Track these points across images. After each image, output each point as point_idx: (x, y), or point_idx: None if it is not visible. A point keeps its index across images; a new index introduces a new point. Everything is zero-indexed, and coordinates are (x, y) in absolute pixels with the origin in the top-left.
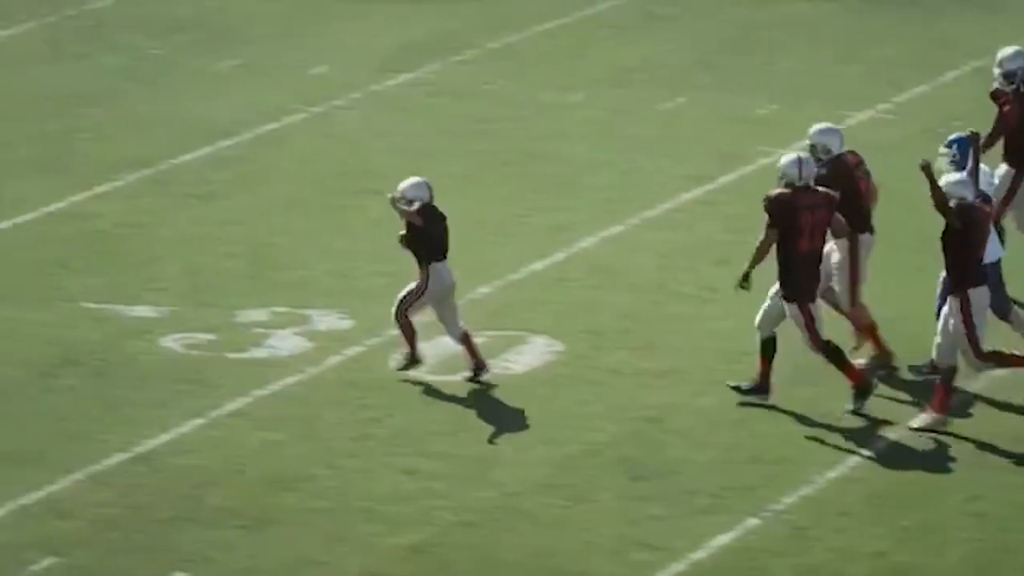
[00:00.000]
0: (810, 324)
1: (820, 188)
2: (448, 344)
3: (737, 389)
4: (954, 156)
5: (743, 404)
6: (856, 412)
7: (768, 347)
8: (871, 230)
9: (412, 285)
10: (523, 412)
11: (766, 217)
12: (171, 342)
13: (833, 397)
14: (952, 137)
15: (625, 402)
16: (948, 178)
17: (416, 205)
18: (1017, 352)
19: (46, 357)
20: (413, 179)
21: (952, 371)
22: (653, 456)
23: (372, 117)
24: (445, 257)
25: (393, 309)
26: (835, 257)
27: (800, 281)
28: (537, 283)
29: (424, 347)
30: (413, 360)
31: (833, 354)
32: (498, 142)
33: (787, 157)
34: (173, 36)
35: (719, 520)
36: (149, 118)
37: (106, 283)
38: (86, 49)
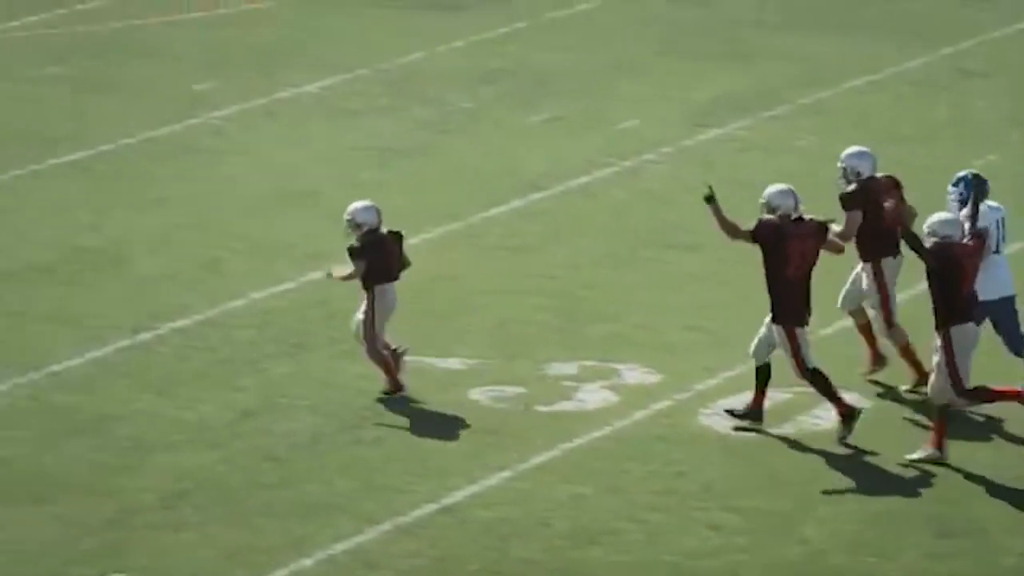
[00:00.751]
0: (796, 350)
1: (811, 218)
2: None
3: (731, 412)
4: (961, 194)
5: (742, 429)
6: (842, 441)
7: (763, 374)
8: (895, 253)
9: (361, 314)
10: (831, 468)
11: (750, 233)
12: (480, 394)
13: None
14: (959, 175)
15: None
16: (935, 217)
17: (364, 229)
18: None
19: (356, 408)
20: (362, 202)
21: (945, 407)
22: (959, 513)
23: (682, 172)
24: (394, 279)
25: (363, 347)
26: (864, 282)
27: (789, 306)
28: (847, 339)
29: (730, 403)
30: (396, 387)
31: (819, 382)
32: (807, 198)
33: (776, 188)
34: (483, 89)
35: None
36: (459, 171)
37: (416, 335)
38: (398, 102)
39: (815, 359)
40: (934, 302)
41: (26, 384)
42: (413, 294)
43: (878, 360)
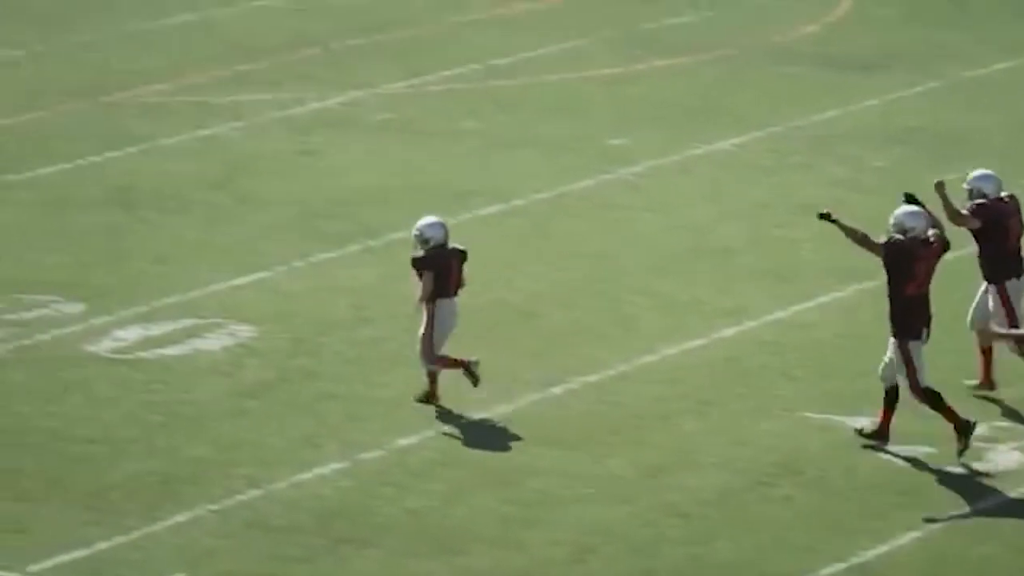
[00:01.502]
0: (911, 366)
1: (934, 239)
2: None
3: (860, 432)
4: None
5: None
6: (961, 454)
7: (891, 397)
8: (1019, 274)
9: (423, 327)
10: None
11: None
12: (888, 454)
13: None
14: None
15: None
16: None
17: (430, 243)
18: None
19: (765, 465)
20: (431, 218)
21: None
22: None
23: None
24: (454, 295)
25: (421, 357)
26: (990, 303)
27: (906, 320)
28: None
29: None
30: (432, 395)
31: (932, 399)
32: None
33: (907, 209)
34: (896, 148)
35: None
36: (871, 228)
37: (826, 393)
38: (811, 159)
39: (928, 378)
40: None
41: (436, 437)
42: (822, 353)
43: (987, 382)
